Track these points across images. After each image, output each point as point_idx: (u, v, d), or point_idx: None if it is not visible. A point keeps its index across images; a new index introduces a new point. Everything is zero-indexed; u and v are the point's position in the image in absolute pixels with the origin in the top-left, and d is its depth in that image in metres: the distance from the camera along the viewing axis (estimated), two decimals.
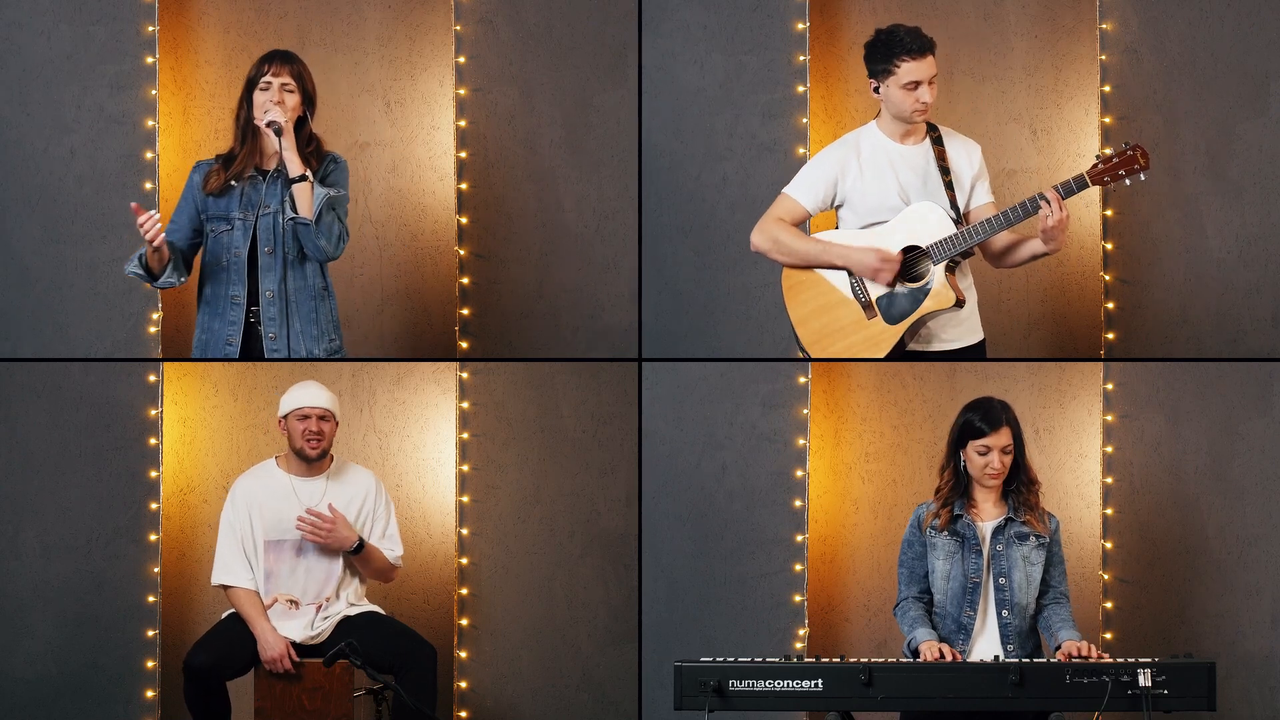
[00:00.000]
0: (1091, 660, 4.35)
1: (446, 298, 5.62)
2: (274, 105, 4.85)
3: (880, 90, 4.82)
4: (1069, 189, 4.72)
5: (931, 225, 4.78)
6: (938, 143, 4.87)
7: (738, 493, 5.43)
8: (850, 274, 4.86)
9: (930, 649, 4.49)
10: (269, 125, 4.83)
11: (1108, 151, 4.76)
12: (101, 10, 5.49)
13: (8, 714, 5.35)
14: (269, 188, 4.91)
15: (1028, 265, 4.92)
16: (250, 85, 4.91)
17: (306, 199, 4.84)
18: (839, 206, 4.90)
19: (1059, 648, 4.50)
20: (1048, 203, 4.69)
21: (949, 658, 4.46)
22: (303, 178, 4.83)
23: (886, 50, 4.78)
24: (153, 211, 4.75)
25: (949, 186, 4.84)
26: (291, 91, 4.90)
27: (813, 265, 4.88)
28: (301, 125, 4.93)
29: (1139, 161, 4.72)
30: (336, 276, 5.03)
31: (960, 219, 4.83)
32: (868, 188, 4.85)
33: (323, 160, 4.96)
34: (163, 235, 4.76)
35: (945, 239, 4.76)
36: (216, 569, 5.02)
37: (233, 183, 4.92)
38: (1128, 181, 4.73)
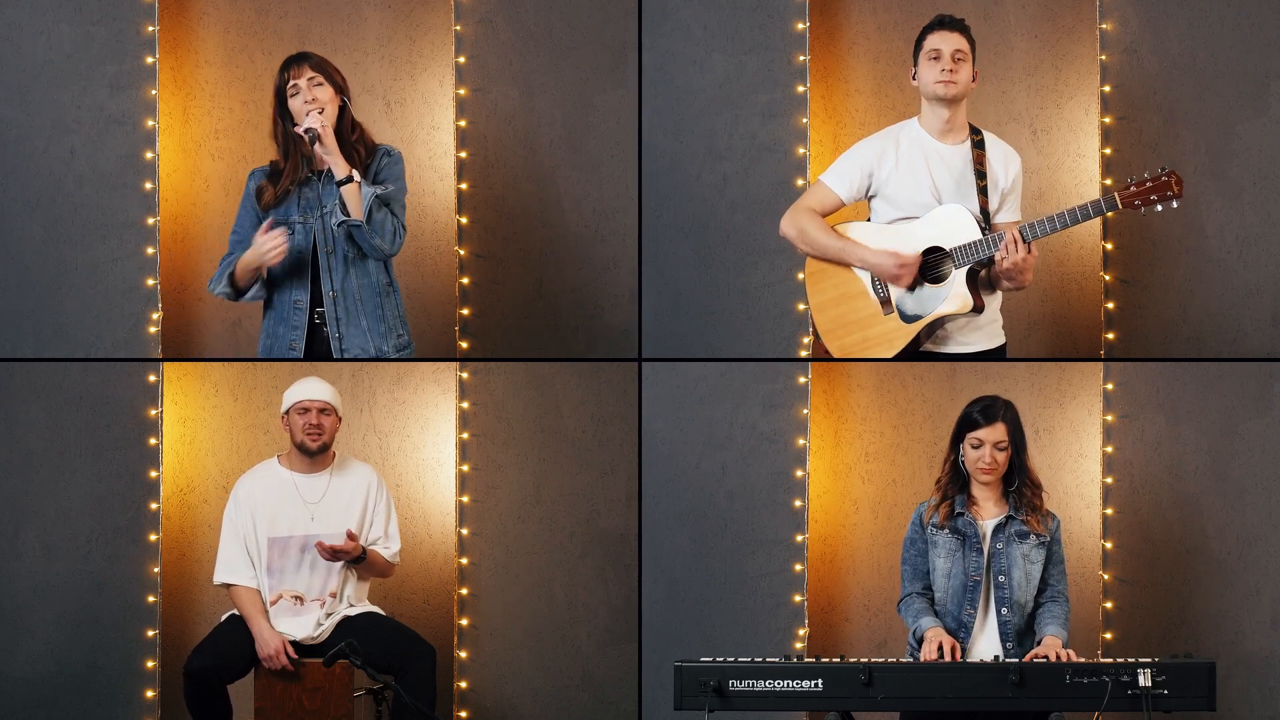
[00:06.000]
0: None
1: (446, 298, 5.62)
2: (311, 107, 4.84)
3: (915, 75, 4.82)
4: (1046, 228, 4.64)
5: (958, 228, 4.77)
6: (978, 146, 4.85)
7: (738, 493, 5.43)
8: None
9: (935, 635, 4.50)
10: (306, 133, 4.81)
11: (1143, 177, 4.70)
12: (101, 10, 5.49)
13: (8, 714, 5.35)
14: (325, 188, 4.91)
15: None
16: (279, 96, 4.90)
17: (355, 199, 4.82)
18: (872, 197, 4.90)
19: (1039, 641, 4.51)
20: (1015, 241, 4.65)
21: (948, 646, 4.47)
22: (348, 179, 4.82)
23: (921, 32, 4.81)
24: (282, 228, 4.79)
25: (982, 191, 4.82)
26: (320, 85, 4.88)
27: (834, 261, 4.88)
28: (342, 115, 4.92)
29: (1173, 188, 4.65)
30: None
31: (990, 225, 4.81)
32: (902, 181, 4.84)
33: (372, 152, 4.95)
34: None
35: (969, 244, 4.75)
36: (218, 568, 5.03)
37: (288, 188, 4.92)
38: (1159, 208, 4.67)
